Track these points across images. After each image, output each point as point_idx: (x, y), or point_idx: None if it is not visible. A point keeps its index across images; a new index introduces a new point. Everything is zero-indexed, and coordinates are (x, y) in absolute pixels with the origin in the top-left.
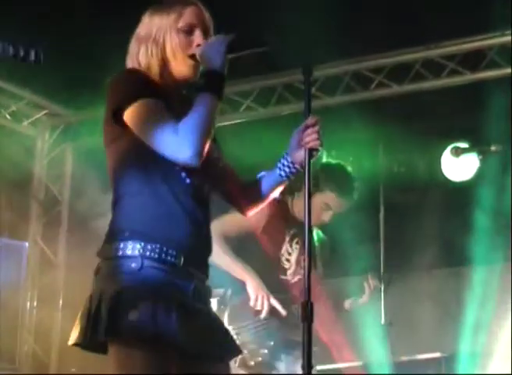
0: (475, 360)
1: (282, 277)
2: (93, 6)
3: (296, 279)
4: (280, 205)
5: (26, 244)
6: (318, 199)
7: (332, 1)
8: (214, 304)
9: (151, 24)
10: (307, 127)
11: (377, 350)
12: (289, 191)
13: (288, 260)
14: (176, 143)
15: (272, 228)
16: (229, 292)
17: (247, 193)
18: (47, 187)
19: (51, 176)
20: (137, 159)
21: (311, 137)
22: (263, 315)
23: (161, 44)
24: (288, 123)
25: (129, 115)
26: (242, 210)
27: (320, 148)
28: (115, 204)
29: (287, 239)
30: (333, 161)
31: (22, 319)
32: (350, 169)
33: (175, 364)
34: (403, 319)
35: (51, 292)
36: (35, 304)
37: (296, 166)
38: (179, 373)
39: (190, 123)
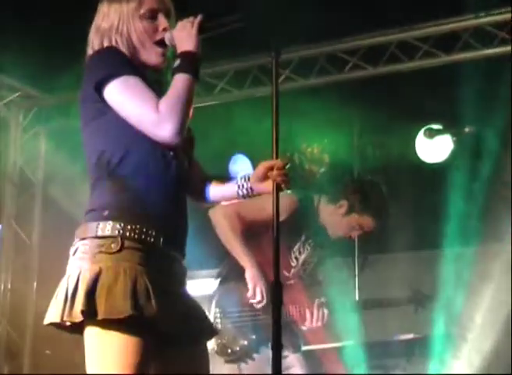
0: (449, 342)
1: (285, 273)
2: None
3: (292, 281)
4: (304, 203)
5: (0, 226)
6: (354, 219)
7: None
8: (209, 283)
9: (111, 13)
10: (272, 168)
11: (351, 331)
12: (318, 193)
13: (297, 259)
14: (157, 120)
15: (289, 224)
16: (225, 272)
17: (204, 188)
18: (21, 169)
19: (25, 157)
20: (119, 136)
21: (281, 179)
22: (259, 306)
23: (126, 33)
24: (263, 105)
25: (110, 91)
26: (195, 200)
27: (288, 190)
28: (95, 182)
29: (303, 238)
30: (367, 178)
31: None
32: (384, 188)
33: (152, 346)
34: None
35: (25, 274)
36: (9, 286)
37: (255, 193)
38: (157, 358)
39: (170, 101)
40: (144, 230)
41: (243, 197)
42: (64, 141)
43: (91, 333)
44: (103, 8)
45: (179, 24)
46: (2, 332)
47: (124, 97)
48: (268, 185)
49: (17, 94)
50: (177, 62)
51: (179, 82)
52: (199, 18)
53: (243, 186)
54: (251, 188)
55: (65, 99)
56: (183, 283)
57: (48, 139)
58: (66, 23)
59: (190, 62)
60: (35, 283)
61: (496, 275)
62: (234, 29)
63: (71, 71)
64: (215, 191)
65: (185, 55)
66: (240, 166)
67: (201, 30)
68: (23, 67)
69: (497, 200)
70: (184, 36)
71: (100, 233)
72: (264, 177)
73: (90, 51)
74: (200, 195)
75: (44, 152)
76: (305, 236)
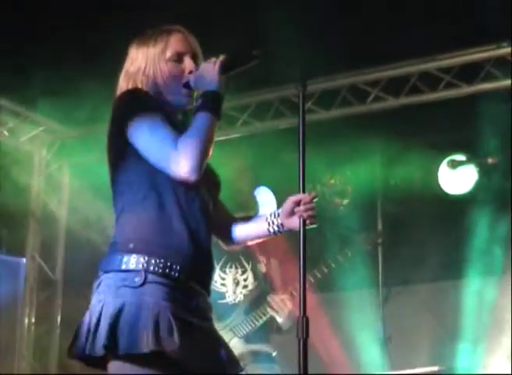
0: (473, 373)
1: (221, 302)
2: (92, 23)
3: (236, 296)
4: None
5: (24, 260)
6: None
7: (329, 15)
8: None
9: (139, 58)
10: (299, 202)
11: (376, 364)
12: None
13: (224, 284)
14: (175, 157)
15: None
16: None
17: (231, 229)
18: (44, 203)
19: (48, 192)
20: (144, 172)
21: (307, 214)
22: None
23: (152, 77)
24: (285, 137)
25: (131, 128)
26: (224, 242)
27: (315, 225)
28: (119, 216)
29: (217, 267)
30: None
31: (20, 336)
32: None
33: None
34: (401, 332)
35: (49, 308)
36: (33, 320)
37: (285, 228)
38: None
39: (188, 139)
40: (169, 264)
41: (274, 233)
42: (88, 175)
43: (114, 368)
44: (132, 53)
45: (202, 65)
46: (27, 366)
47: (144, 134)
48: (297, 221)
49: (41, 128)
50: (199, 101)
51: (199, 120)
52: (220, 58)
53: (273, 222)
54: (282, 224)
55: (89, 132)
56: (208, 319)
57: (72, 173)
58: (92, 57)
59: (212, 101)
60: (59, 318)
61: None
62: (255, 66)
63: (94, 105)
64: (242, 230)
65: (207, 95)
66: (263, 197)
67: (223, 69)
68: (47, 101)
69: None
70: (206, 76)
71: (124, 267)
72: (293, 213)
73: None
74: (227, 236)
75: (67, 186)
76: (220, 264)
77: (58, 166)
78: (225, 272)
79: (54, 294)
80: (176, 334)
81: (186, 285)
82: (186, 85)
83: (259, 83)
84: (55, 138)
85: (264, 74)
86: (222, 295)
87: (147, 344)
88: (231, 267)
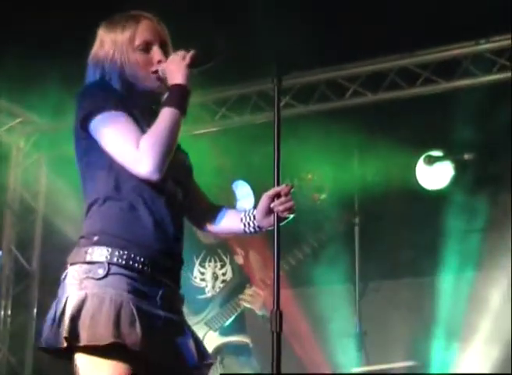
0: (448, 368)
1: (201, 297)
2: (70, 16)
3: (215, 291)
4: None
5: (0, 252)
6: None
7: (307, 10)
8: None
9: (107, 43)
10: (278, 194)
11: (351, 359)
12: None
13: (203, 279)
14: (136, 157)
15: None
16: None
17: (206, 217)
18: (21, 195)
19: (25, 184)
20: (110, 169)
21: (284, 206)
22: None
23: (119, 65)
24: (263, 132)
25: (93, 127)
26: (197, 228)
27: (292, 215)
28: (87, 213)
29: (197, 263)
30: None
31: None
32: None
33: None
34: (377, 327)
35: (25, 300)
36: (9, 312)
37: (263, 229)
38: None
39: (150, 138)
40: (132, 255)
41: (251, 234)
42: (65, 167)
43: (78, 360)
44: (100, 36)
45: (170, 57)
46: (2, 359)
47: (106, 133)
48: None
49: (18, 119)
50: (166, 95)
51: (164, 116)
52: (191, 53)
53: (249, 224)
54: (259, 226)
55: (67, 125)
56: (177, 312)
57: (49, 165)
58: (67, 49)
59: (178, 96)
60: (35, 310)
61: (495, 301)
62: (222, 61)
63: (72, 97)
64: (218, 223)
65: (172, 88)
66: (241, 191)
67: (192, 64)
68: (24, 92)
69: (497, 226)
70: (174, 69)
71: (88, 259)
72: (269, 211)
73: (86, 81)
74: (201, 224)
75: (45, 178)
76: (199, 259)
77: (35, 158)
78: (204, 267)
79: (30, 286)
80: (138, 326)
81: (152, 277)
82: (155, 73)
83: (238, 76)
84: (32, 130)
85: (243, 68)
86: (202, 291)
87: (107, 336)
88: (210, 261)
